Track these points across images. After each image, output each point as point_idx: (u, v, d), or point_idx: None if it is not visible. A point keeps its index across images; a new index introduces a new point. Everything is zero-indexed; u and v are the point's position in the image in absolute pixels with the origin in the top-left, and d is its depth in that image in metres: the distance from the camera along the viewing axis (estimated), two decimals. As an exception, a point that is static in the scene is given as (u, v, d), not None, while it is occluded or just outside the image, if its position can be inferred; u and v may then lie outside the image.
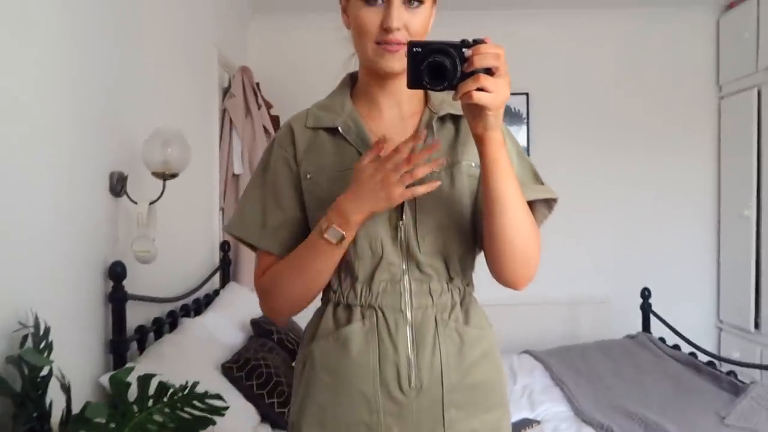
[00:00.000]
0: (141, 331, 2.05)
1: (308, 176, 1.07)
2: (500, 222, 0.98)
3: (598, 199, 3.92)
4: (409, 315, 1.03)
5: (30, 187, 1.49)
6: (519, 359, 3.02)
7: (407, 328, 1.03)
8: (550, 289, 3.73)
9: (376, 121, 1.09)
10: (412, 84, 0.92)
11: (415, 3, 1.00)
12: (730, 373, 2.66)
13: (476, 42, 0.90)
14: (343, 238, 0.99)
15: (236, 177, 3.27)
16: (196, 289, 2.64)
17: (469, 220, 1.07)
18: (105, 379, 1.71)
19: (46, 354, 1.38)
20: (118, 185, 1.91)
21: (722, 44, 3.85)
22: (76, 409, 1.34)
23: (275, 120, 3.46)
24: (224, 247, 3.11)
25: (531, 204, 1.04)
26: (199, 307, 2.64)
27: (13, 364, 1.31)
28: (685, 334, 3.19)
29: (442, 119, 1.08)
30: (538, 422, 2.32)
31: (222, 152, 3.19)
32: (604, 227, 3.93)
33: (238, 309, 2.63)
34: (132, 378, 1.39)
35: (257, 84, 3.44)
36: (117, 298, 1.87)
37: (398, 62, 1.00)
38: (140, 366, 1.81)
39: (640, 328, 3.40)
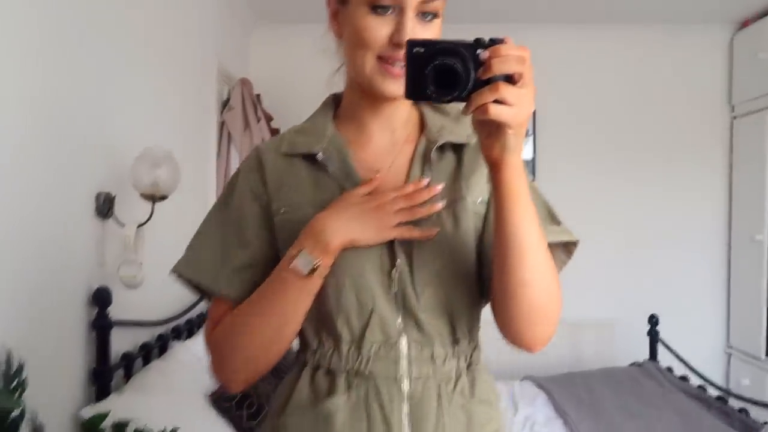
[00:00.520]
0: (127, 358, 1.97)
1: (282, 211, 0.89)
2: (517, 274, 0.79)
3: (605, 218, 3.81)
4: (406, 386, 0.85)
5: (11, 208, 1.41)
6: (521, 386, 2.92)
7: (403, 403, 0.84)
8: (554, 310, 3.62)
9: (364, 148, 0.92)
10: (413, 94, 0.74)
11: (430, 16, 0.84)
12: (742, 410, 2.56)
13: (494, 42, 0.72)
14: (316, 267, 0.81)
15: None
16: (188, 310, 2.55)
17: (474, 268, 0.89)
18: (86, 412, 1.63)
19: (18, 393, 1.30)
20: (105, 206, 1.83)
21: (736, 63, 3.76)
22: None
23: (275, 133, 3.38)
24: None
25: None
26: (191, 327, 2.56)
27: (-20, 407, 1.23)
28: (693, 359, 3.09)
29: (441, 148, 0.91)
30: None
31: (219, 167, 3.12)
32: (611, 248, 3.82)
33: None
34: (107, 423, 1.31)
35: (258, 96, 3.36)
36: (101, 326, 1.79)
37: (400, 87, 0.82)
38: (123, 399, 1.73)
39: (646, 353, 3.30)
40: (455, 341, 0.88)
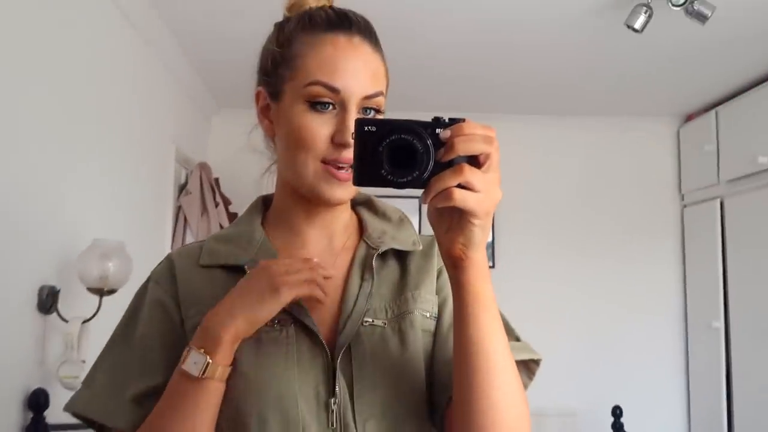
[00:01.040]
0: (63, 465, 1.81)
1: (196, 327, 0.75)
2: (484, 395, 0.67)
3: (563, 308, 3.80)
4: None
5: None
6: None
7: None
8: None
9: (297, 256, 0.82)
10: (363, 178, 0.64)
11: (373, 111, 0.77)
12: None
13: (453, 121, 0.63)
14: (207, 366, 0.69)
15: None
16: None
17: (425, 396, 0.77)
18: None
19: None
20: (48, 301, 1.73)
21: (683, 154, 3.89)
22: None
23: (234, 217, 3.32)
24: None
25: None
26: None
27: None
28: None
29: (383, 256, 0.82)
30: None
31: (174, 253, 3.03)
32: (571, 337, 3.80)
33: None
34: None
35: (216, 179, 3.32)
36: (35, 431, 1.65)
37: (347, 192, 0.77)
38: None
39: (609, 444, 3.23)
40: None
